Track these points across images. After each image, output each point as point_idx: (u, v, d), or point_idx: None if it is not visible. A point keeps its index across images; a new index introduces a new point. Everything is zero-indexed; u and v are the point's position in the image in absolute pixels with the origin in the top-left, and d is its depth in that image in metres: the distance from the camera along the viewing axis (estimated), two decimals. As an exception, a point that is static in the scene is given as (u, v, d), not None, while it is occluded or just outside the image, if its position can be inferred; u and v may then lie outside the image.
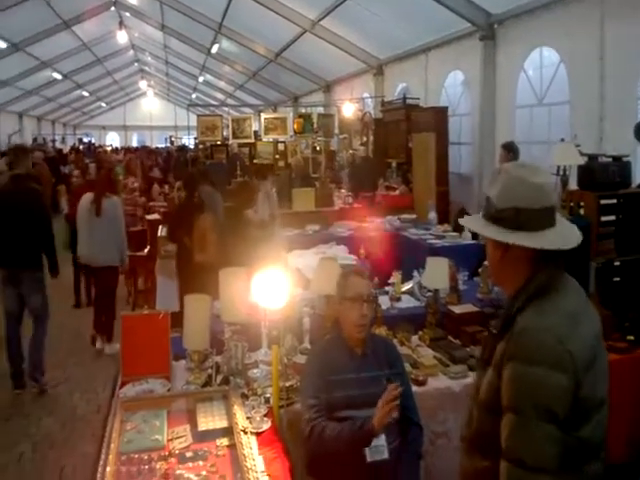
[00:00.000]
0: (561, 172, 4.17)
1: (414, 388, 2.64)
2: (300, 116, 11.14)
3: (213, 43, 15.82)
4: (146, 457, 2.19)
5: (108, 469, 2.07)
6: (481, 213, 1.60)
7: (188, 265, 4.93)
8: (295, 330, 3.15)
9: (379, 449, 2.32)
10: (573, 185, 4.18)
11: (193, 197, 5.24)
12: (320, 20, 10.97)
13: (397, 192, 7.97)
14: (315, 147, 9.52)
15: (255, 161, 10.29)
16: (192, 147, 17.79)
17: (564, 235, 1.51)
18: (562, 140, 4.75)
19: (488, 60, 7.60)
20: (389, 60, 11.17)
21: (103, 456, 2.17)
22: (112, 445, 2.22)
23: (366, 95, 12.37)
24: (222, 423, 2.42)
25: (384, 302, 3.60)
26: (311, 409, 2.36)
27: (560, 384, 1.35)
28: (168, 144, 24.09)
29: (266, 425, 2.42)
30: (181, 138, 25.55)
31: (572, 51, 6.12)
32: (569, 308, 1.47)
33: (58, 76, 20.56)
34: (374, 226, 6.47)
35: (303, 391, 2.50)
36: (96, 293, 5.79)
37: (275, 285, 2.63)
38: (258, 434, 2.36)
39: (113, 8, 16.80)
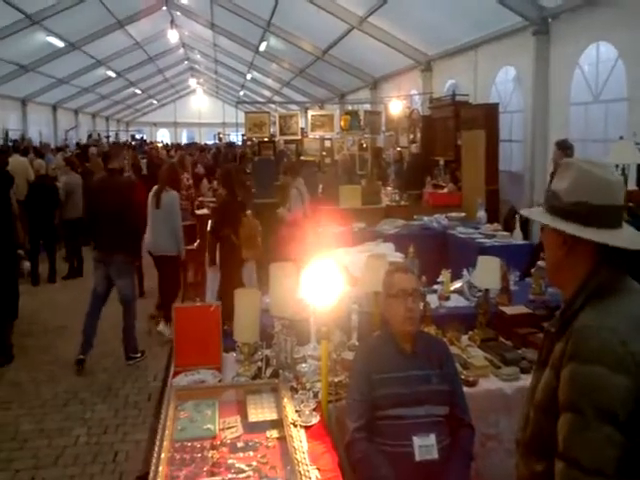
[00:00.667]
0: (619, 171, 4.03)
1: (464, 389, 2.60)
2: (347, 113, 11.13)
3: (261, 41, 16.00)
4: (198, 445, 2.25)
5: (163, 455, 2.13)
6: (543, 207, 1.55)
7: (232, 261, 5.06)
8: (343, 326, 3.16)
9: (428, 449, 2.30)
10: (632, 185, 4.03)
11: (235, 194, 5.35)
12: (368, 17, 10.93)
13: (445, 190, 7.86)
14: (362, 144, 9.50)
15: (301, 158, 10.36)
16: (240, 144, 18.06)
17: (631, 236, 1.46)
18: (621, 138, 4.58)
19: (541, 56, 7.40)
20: (437, 56, 11.02)
21: (158, 442, 2.24)
22: (166, 432, 2.28)
23: (414, 92, 12.25)
24: (272, 415, 2.45)
25: (433, 301, 3.56)
26: (355, 421, 2.36)
27: (622, 385, 1.30)
28: (216, 140, 24.50)
29: (315, 419, 2.44)
30: (229, 135, 26.03)
31: (632, 46, 5.88)
32: (633, 310, 1.41)
33: (112, 74, 21.22)
34: (421, 224, 6.40)
35: (350, 393, 2.50)
36: (159, 280, 6.12)
37: (324, 281, 2.65)
38: (307, 428, 2.38)
39: (165, 8, 17.21)
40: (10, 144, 15.98)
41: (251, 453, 2.20)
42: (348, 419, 2.42)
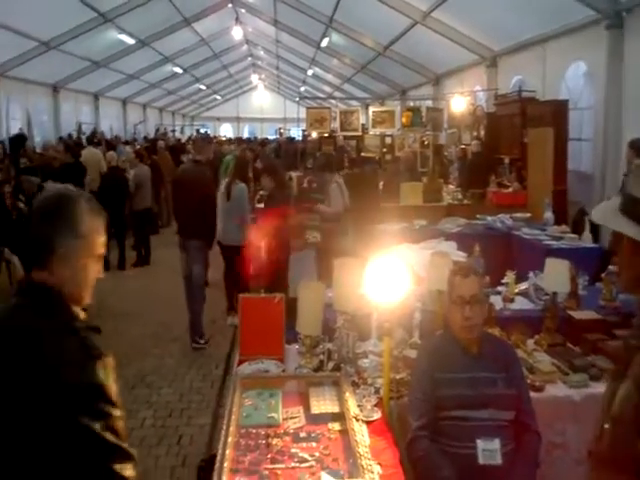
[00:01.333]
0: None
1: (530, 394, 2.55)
2: (408, 109, 11.03)
3: (323, 37, 16.05)
4: (263, 432, 2.31)
5: (230, 439, 2.21)
6: (619, 213, 1.48)
7: (281, 251, 5.22)
8: (405, 324, 3.15)
9: (492, 453, 2.27)
10: None
11: (283, 185, 5.54)
12: (432, 11, 10.76)
13: (509, 189, 7.65)
14: (423, 141, 9.39)
15: (362, 154, 10.35)
16: (300, 139, 18.22)
17: None
18: None
19: (614, 51, 7.05)
20: (503, 51, 10.71)
21: (224, 427, 2.32)
22: (233, 417, 2.36)
23: (478, 88, 11.98)
24: (333, 408, 2.48)
25: (497, 302, 3.50)
26: (417, 420, 2.35)
27: None
28: (277, 135, 24.83)
29: (376, 415, 2.45)
30: (289, 130, 26.30)
31: None
32: None
33: (179, 70, 21.85)
34: (485, 224, 6.27)
35: (412, 390, 2.50)
36: (225, 270, 6.36)
37: (389, 278, 2.65)
38: (368, 423, 2.39)
39: (230, 5, 17.56)
40: (83, 136, 16.82)
41: (314, 444, 2.25)
42: (410, 417, 2.42)
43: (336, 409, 2.47)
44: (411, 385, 2.55)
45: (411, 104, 13.36)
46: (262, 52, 25.81)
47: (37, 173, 7.63)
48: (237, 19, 18.64)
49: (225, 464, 2.03)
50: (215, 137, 20.90)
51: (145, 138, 21.05)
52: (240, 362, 2.97)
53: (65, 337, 1.43)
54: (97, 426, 1.38)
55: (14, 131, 13.99)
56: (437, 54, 13.10)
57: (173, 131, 25.37)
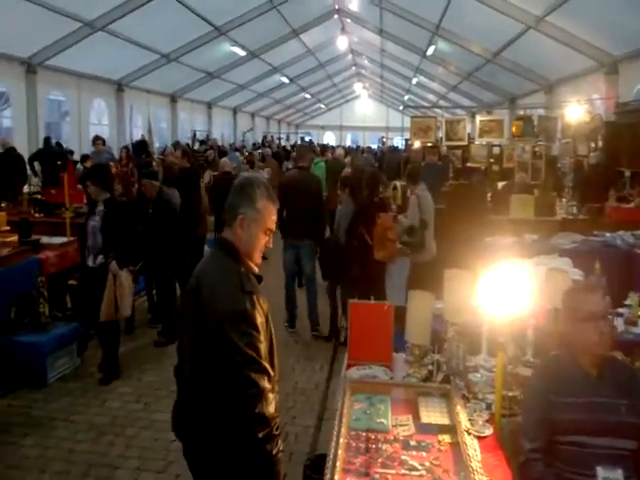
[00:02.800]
0: None
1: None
2: (519, 118, 10.60)
3: (429, 45, 15.89)
4: (373, 437, 2.34)
5: (341, 440, 2.27)
6: None
7: (366, 260, 5.22)
8: (518, 340, 3.05)
9: (614, 484, 2.15)
10: None
11: (375, 195, 5.54)
12: (546, 15, 10.31)
13: (631, 205, 7.13)
14: (535, 152, 8.99)
15: (468, 164, 10.11)
16: (402, 148, 18.14)
17: None
18: None
19: None
20: (625, 57, 10.02)
21: (336, 428, 2.39)
22: (344, 419, 2.42)
23: (595, 96, 11.29)
24: (443, 420, 2.47)
25: (618, 325, 3.30)
26: (531, 442, 2.27)
27: None
28: (380, 144, 24.88)
29: (488, 431, 2.41)
30: (392, 138, 26.26)
31: None
32: None
33: (285, 80, 22.61)
34: (603, 241, 5.89)
35: (525, 411, 2.42)
36: None
37: (504, 292, 2.60)
38: (479, 438, 2.36)
39: (336, 16, 17.91)
40: (198, 142, 17.90)
41: (424, 453, 2.25)
42: (523, 438, 2.35)
43: (446, 421, 2.45)
44: (524, 405, 2.47)
45: (521, 113, 12.84)
46: (366, 61, 26.00)
47: (157, 177, 8.23)
48: (342, 29, 18.96)
49: (337, 463, 2.09)
50: (318, 145, 21.34)
51: (254, 145, 21.95)
52: (348, 366, 3.03)
53: (230, 275, 2.03)
54: (241, 342, 1.93)
55: (136, 137, 15.17)
56: (550, 60, 12.53)
57: (279, 139, 26.24)
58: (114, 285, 4.68)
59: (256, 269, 2.14)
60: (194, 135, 18.67)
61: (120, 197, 6.15)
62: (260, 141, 23.58)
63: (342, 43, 20.14)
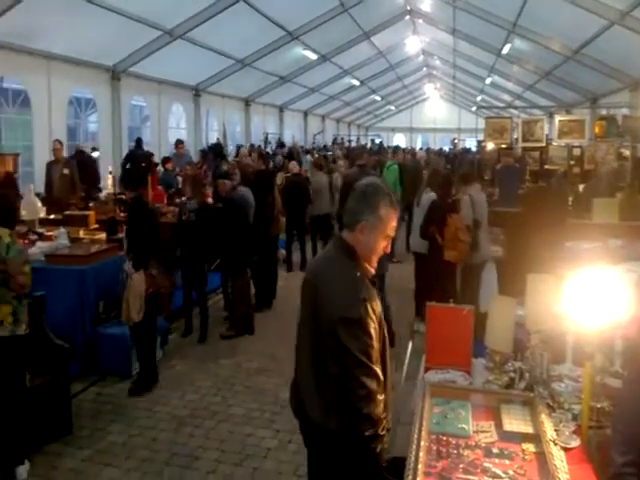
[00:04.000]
0: None
1: None
2: (601, 118, 10.11)
3: (505, 43, 15.42)
4: (453, 442, 2.32)
5: (422, 443, 2.26)
6: None
7: (436, 261, 5.13)
8: (605, 350, 2.92)
9: None
10: None
11: (447, 196, 5.43)
12: (631, 11, 9.75)
13: None
14: (620, 153, 8.53)
15: (546, 166, 9.74)
16: (474, 150, 17.74)
17: None
18: None
19: None
20: None
21: (416, 431, 2.38)
22: (424, 422, 2.41)
23: (688, 93, 10.58)
24: (527, 428, 2.40)
25: None
26: (623, 455, 2.16)
27: None
28: (451, 146, 24.44)
29: (574, 442, 2.33)
30: (464, 140, 25.71)
31: None
32: None
33: (356, 82, 22.64)
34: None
35: (616, 423, 2.31)
36: (415, 276, 6.54)
37: (593, 299, 2.50)
38: (565, 449, 2.28)
39: (408, 17, 17.73)
40: (270, 144, 18.33)
41: (507, 461, 2.20)
42: (614, 451, 2.24)
43: (530, 430, 2.39)
44: (615, 417, 2.36)
45: (604, 112, 12.22)
46: (438, 62, 25.58)
47: (230, 177, 8.49)
48: (414, 30, 18.76)
49: (419, 466, 2.08)
50: (389, 147, 21.26)
51: (324, 147, 22.17)
52: (427, 369, 3.01)
53: (347, 278, 2.11)
54: (353, 347, 2.03)
55: (212, 140, 15.69)
56: (636, 57, 11.84)
57: (349, 141, 26.34)
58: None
59: (372, 271, 2.20)
60: (266, 138, 19.09)
61: (188, 199, 6.35)
62: (330, 143, 23.75)
63: (413, 44, 19.95)
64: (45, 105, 10.80)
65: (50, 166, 8.82)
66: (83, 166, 9.10)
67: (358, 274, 2.13)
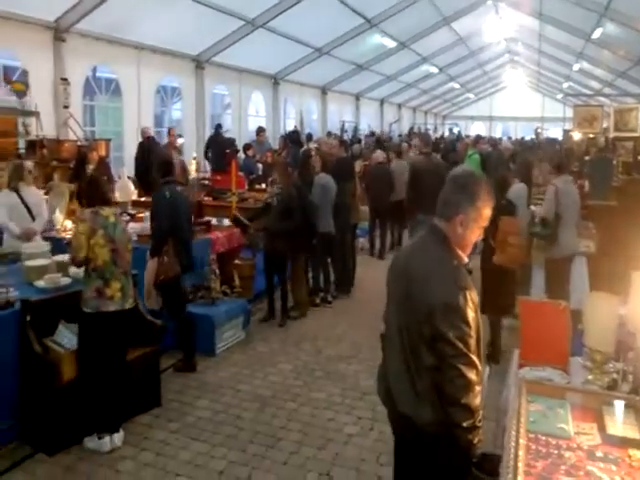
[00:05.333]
0: None
1: None
2: None
3: (595, 27, 14.53)
4: (553, 442, 2.23)
5: (521, 441, 2.19)
6: None
7: (488, 264, 4.91)
8: None
9: None
10: None
11: (501, 197, 5.04)
12: None
13: None
14: None
15: (641, 158, 9.15)
16: (559, 139, 16.90)
17: None
18: None
19: None
20: None
21: (513, 428, 2.31)
22: (522, 419, 2.34)
23: None
24: (634, 433, 2.28)
25: None
26: None
27: None
28: (533, 135, 23.44)
29: (686, 451, 2.18)
30: (547, 129, 24.55)
31: None
32: None
33: (434, 70, 22.14)
34: None
35: None
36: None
37: None
38: (679, 459, 2.14)
39: (490, 1, 17.07)
40: (345, 133, 18.36)
41: (613, 467, 2.09)
42: None
43: (637, 435, 2.26)
44: None
45: None
46: (521, 48, 24.50)
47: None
48: (497, 15, 18.05)
49: (520, 465, 2.02)
50: (467, 136, 20.67)
51: (399, 136, 21.93)
52: (520, 366, 2.92)
53: (444, 267, 2.08)
54: (450, 334, 2.00)
55: (289, 128, 15.89)
56: None
57: (426, 130, 25.87)
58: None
59: (466, 259, 2.18)
60: (342, 126, 19.11)
61: (271, 185, 6.46)
62: (406, 132, 23.43)
63: (495, 29, 19.18)
64: (135, 93, 11.32)
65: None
66: (151, 151, 9.38)
67: (455, 262, 2.11)
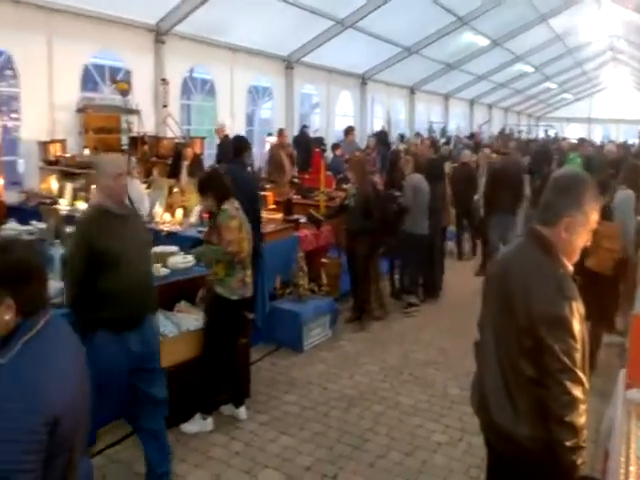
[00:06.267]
0: None
1: None
2: None
3: None
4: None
5: (631, 468, 2.05)
6: None
7: (581, 269, 4.53)
8: None
9: None
10: None
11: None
12: None
13: None
14: None
15: None
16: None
17: None
18: None
19: None
20: None
21: (622, 453, 2.16)
22: (631, 445, 2.18)
23: None
24: None
25: None
26: None
27: None
28: (637, 139, 21.89)
29: None
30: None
31: None
32: None
33: (529, 69, 21.25)
34: None
35: None
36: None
37: None
38: None
39: (592, -5, 16.12)
40: (434, 133, 18.07)
41: None
42: None
43: None
44: None
45: None
46: (625, 45, 22.96)
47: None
48: (599, 9, 16.99)
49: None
50: (564, 139, 19.68)
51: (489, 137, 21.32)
52: (628, 386, 2.71)
53: (548, 276, 1.94)
54: (556, 348, 1.86)
55: (376, 128, 15.83)
56: None
57: (519, 132, 24.88)
58: None
59: (571, 268, 2.02)
60: (430, 126, 18.80)
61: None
62: (497, 133, 22.69)
63: (596, 26, 18.06)
64: (228, 93, 11.71)
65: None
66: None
67: (561, 271, 1.96)
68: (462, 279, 7.47)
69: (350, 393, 4.46)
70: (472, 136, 18.10)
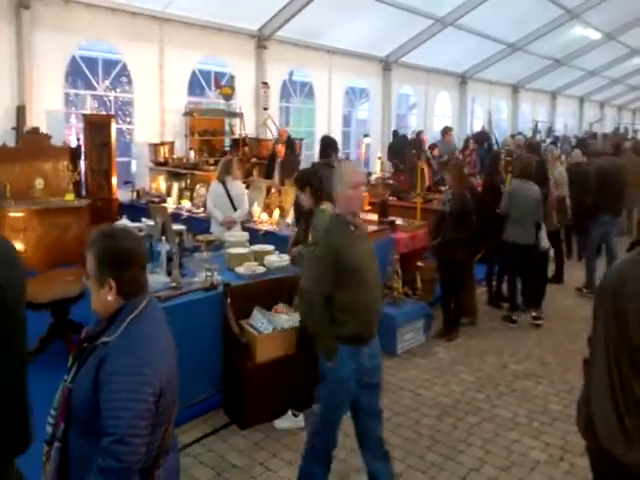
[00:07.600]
0: None
1: None
2: None
3: None
4: None
5: None
6: None
7: None
8: None
9: None
10: None
11: None
12: None
13: None
14: None
15: None
16: None
17: None
18: None
19: None
20: None
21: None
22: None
23: None
24: None
25: None
26: None
27: None
28: None
29: None
30: None
31: None
32: None
33: (646, 63, 19.68)
34: None
35: None
36: None
37: None
38: None
39: None
40: (539, 133, 17.19)
41: None
42: None
43: None
44: None
45: None
46: None
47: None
48: None
49: None
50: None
51: (594, 136, 19.98)
52: None
53: None
54: None
55: (476, 128, 15.34)
56: None
57: (635, 131, 23.04)
58: None
59: None
60: (535, 126, 17.92)
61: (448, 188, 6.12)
62: (611, 132, 21.17)
63: None
64: (325, 95, 11.87)
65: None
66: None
67: None
68: (569, 286, 7.08)
69: (443, 401, 4.33)
70: (594, 136, 16.79)
